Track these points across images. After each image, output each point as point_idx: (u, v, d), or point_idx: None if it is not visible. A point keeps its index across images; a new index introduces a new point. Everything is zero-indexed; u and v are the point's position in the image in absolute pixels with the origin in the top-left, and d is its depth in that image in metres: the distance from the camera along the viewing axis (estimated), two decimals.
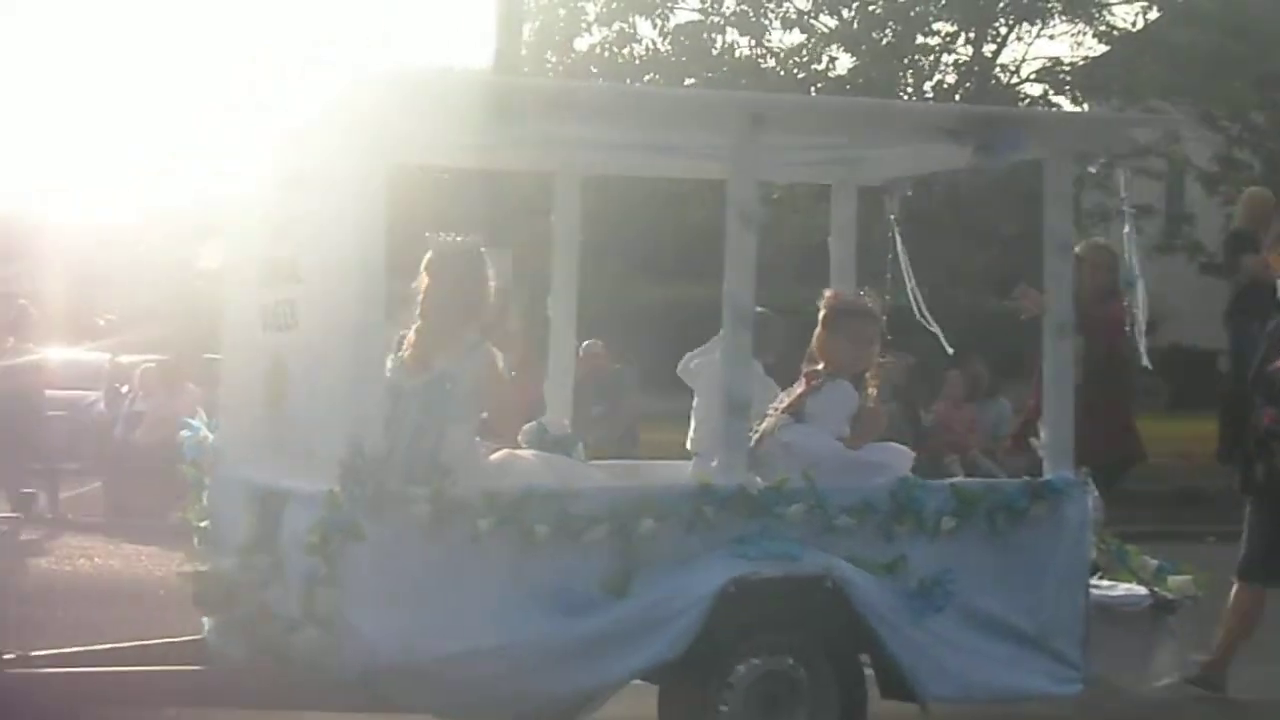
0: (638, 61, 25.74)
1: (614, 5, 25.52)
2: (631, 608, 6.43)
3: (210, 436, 7.64)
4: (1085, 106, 25.87)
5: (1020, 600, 7.07)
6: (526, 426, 7.58)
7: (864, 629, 6.68)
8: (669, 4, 25.59)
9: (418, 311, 6.98)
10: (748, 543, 6.61)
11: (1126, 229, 7.33)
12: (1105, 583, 7.68)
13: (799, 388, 7.38)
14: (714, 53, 25.75)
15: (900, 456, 7.38)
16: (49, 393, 17.14)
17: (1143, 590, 7.51)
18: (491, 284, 7.03)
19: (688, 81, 24.37)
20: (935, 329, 8.39)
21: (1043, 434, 7.38)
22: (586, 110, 6.77)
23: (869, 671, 6.93)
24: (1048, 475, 7.24)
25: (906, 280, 8.42)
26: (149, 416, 17.32)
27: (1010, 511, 7.05)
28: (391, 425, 6.78)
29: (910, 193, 8.51)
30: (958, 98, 24.66)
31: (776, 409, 7.35)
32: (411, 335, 6.99)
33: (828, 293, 7.61)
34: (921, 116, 7.56)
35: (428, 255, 7.00)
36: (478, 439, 7.05)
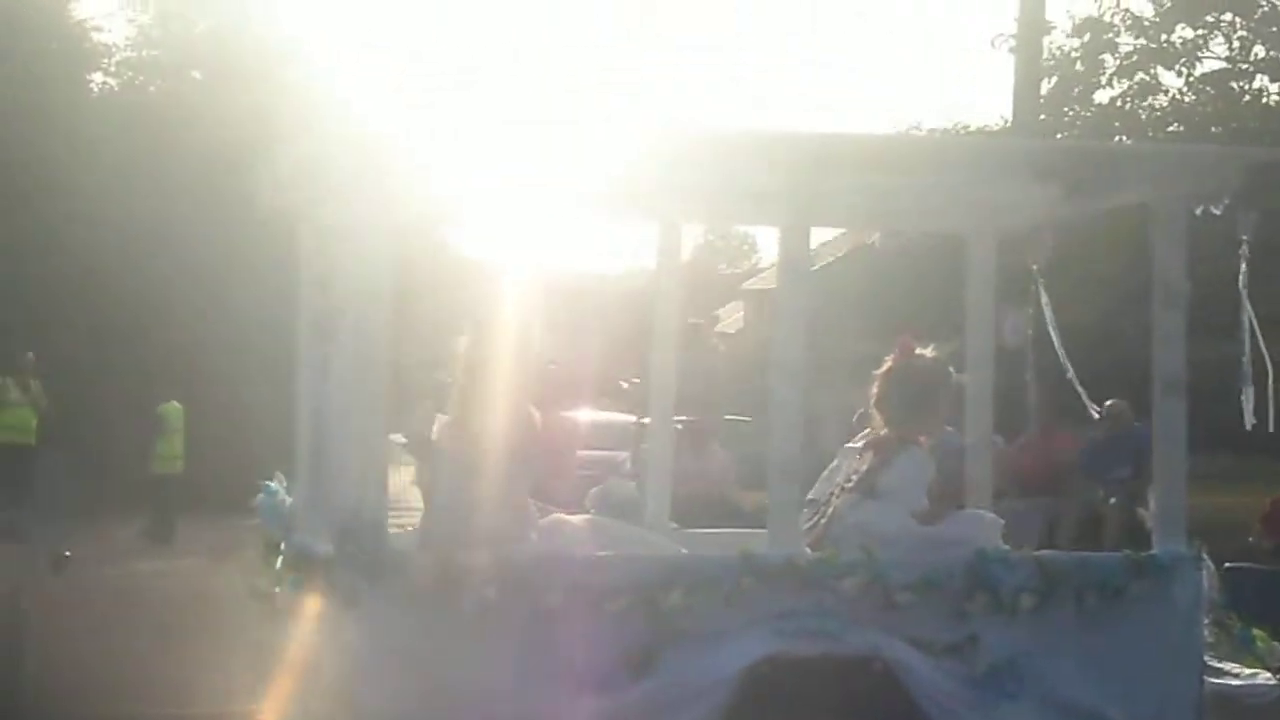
0: (1159, 112, 25.01)
1: (1135, 57, 24.89)
2: (653, 686, 5.94)
3: (288, 500, 7.42)
4: None
5: (1114, 689, 6.34)
6: (593, 491, 7.16)
7: (920, 717, 6.06)
8: (1195, 53, 24.84)
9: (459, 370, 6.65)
10: (790, 619, 6.07)
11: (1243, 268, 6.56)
12: (1246, 671, 6.87)
13: (867, 460, 6.80)
14: (1244, 100, 24.86)
15: (986, 528, 6.71)
16: (580, 453, 17.26)
17: (1271, 679, 6.68)
18: (538, 343, 6.67)
19: (1213, 130, 23.55)
20: (1080, 390, 7.75)
21: (1152, 504, 6.65)
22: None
23: None
24: (1155, 550, 6.51)
25: (1054, 337, 7.79)
26: (677, 477, 17.53)
27: (1104, 590, 6.34)
28: (434, 488, 6.50)
29: (1052, 242, 7.83)
30: None
31: (845, 486, 6.79)
32: (455, 394, 6.66)
33: (898, 346, 7.01)
34: (999, 154, 6.86)
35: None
36: (532, 503, 6.67)
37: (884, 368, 7.04)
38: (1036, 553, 6.51)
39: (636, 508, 7.13)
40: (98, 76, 28.33)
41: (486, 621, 5.89)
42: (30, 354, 20.71)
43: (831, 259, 36.14)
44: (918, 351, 7.00)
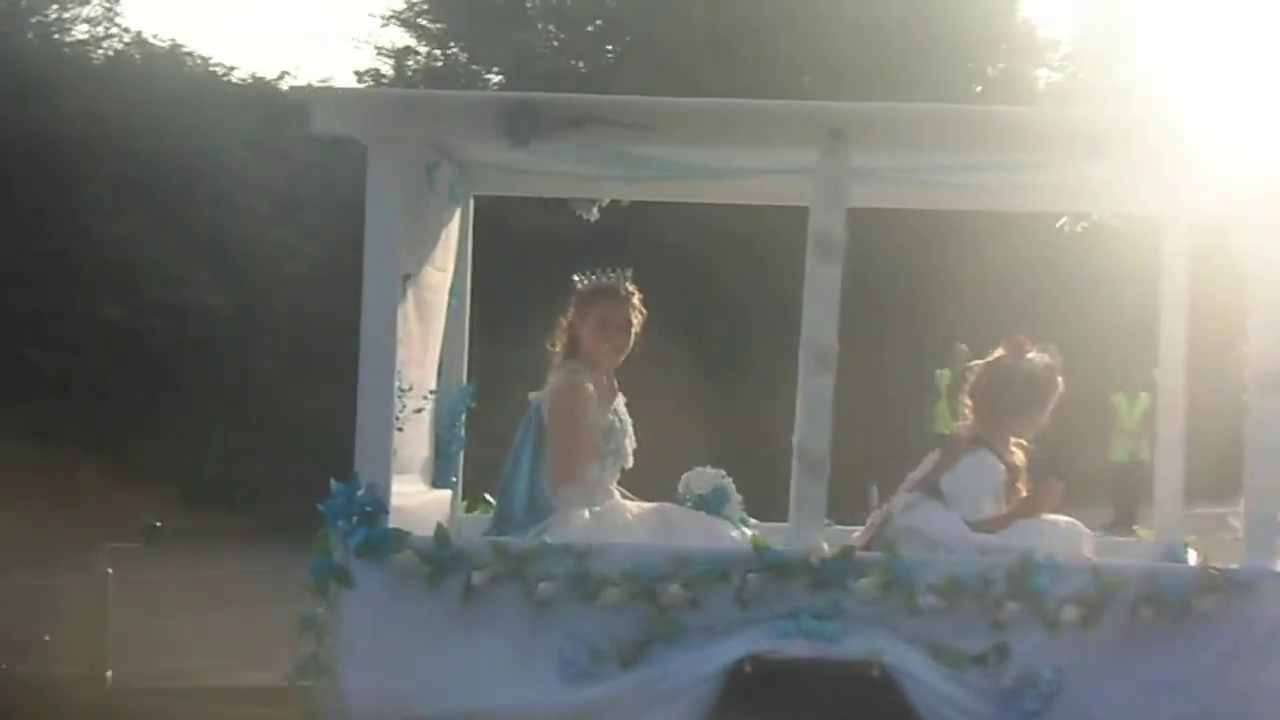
0: None
1: None
2: (638, 678, 5.75)
3: None
4: None
5: (1171, 712, 5.76)
6: (685, 475, 6.97)
7: None
8: None
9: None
10: (794, 619, 5.77)
11: None
12: None
13: (932, 459, 6.40)
14: None
15: (1055, 538, 6.18)
16: None
17: None
18: (624, 319, 6.65)
19: None
20: None
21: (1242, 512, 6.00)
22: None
23: None
24: (1238, 565, 5.87)
25: None
26: None
27: (1162, 605, 5.77)
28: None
29: None
30: None
31: (906, 487, 6.42)
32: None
33: (1011, 342, 6.56)
34: None
35: None
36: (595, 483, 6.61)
37: (990, 358, 6.63)
38: (1097, 560, 5.99)
39: (720, 497, 6.86)
40: (1043, 72, 29.97)
41: (476, 607, 5.83)
42: (963, 345, 20.14)
43: None
44: (1030, 355, 6.57)
